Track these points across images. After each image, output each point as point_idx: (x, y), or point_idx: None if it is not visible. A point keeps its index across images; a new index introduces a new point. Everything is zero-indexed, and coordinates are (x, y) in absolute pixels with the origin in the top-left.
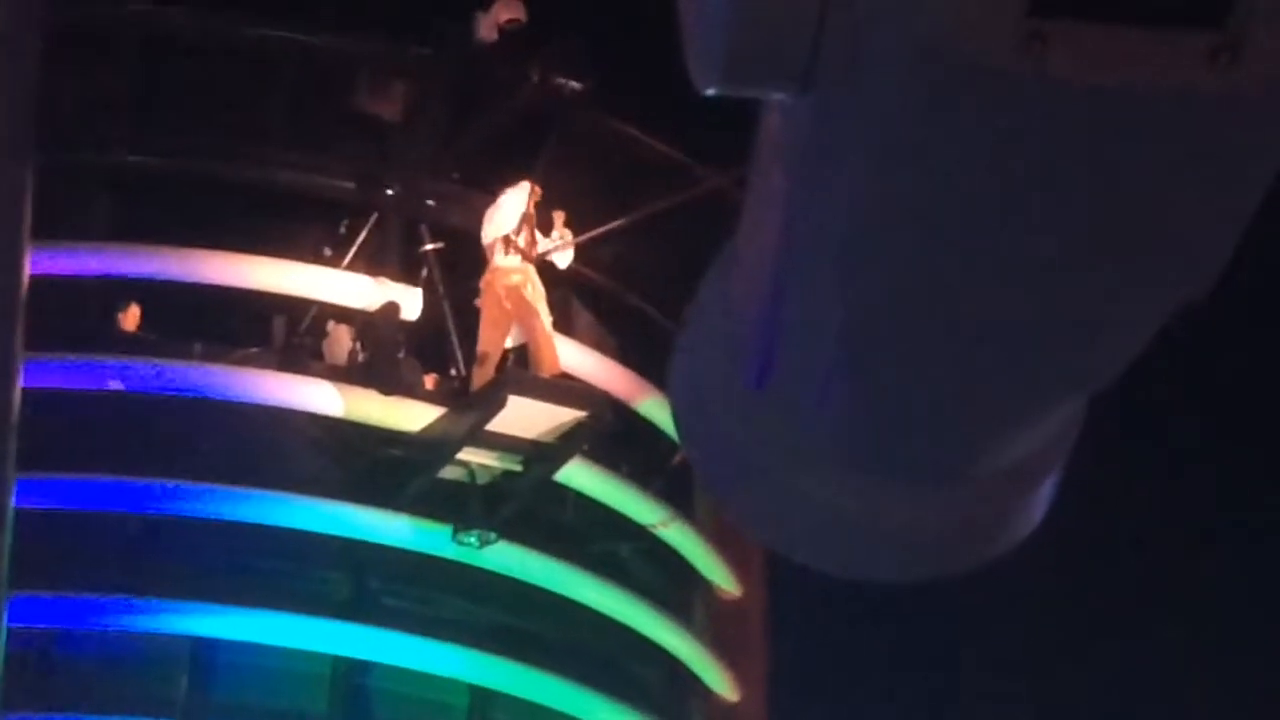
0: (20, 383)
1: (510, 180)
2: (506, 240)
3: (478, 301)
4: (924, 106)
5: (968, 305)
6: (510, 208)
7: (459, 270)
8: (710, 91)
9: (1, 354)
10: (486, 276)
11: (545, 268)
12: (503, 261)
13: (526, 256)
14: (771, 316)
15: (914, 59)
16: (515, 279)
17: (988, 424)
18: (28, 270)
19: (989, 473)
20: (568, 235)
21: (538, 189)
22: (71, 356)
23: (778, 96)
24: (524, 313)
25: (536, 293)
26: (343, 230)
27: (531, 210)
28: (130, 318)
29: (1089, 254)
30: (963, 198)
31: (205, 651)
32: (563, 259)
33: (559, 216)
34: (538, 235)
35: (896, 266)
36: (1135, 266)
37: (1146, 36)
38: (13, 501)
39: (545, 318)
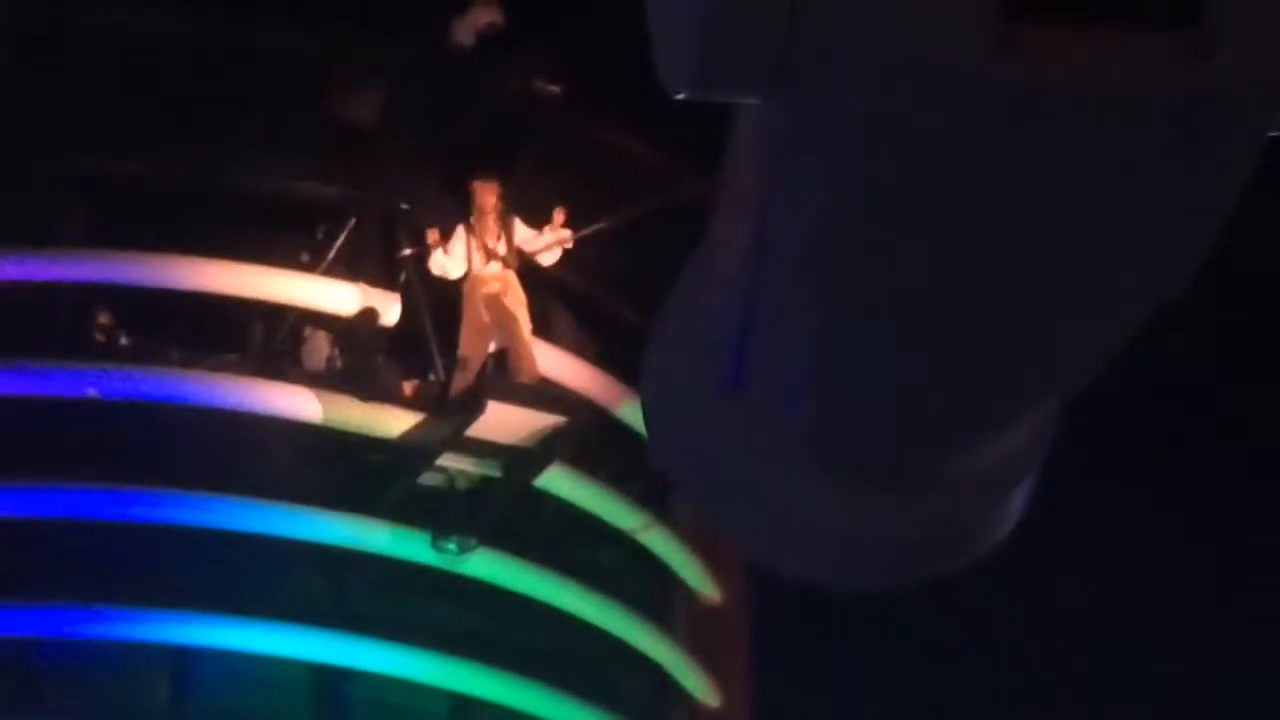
0: None
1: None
2: (485, 248)
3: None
4: (896, 110)
5: (939, 307)
6: (454, 254)
7: (437, 275)
8: (680, 95)
9: None
10: (468, 284)
11: (526, 271)
12: (481, 270)
13: (506, 263)
14: (744, 320)
15: (886, 63)
16: (494, 287)
17: (961, 427)
18: None
19: (963, 478)
20: (553, 230)
21: (498, 188)
22: (47, 364)
23: (749, 100)
24: (504, 319)
25: (516, 299)
26: (320, 236)
27: (496, 211)
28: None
29: (1062, 254)
30: (935, 201)
31: (185, 660)
32: (548, 256)
33: (559, 215)
34: (520, 230)
35: (869, 269)
36: (1109, 266)
37: (1118, 37)
38: None
39: (525, 324)
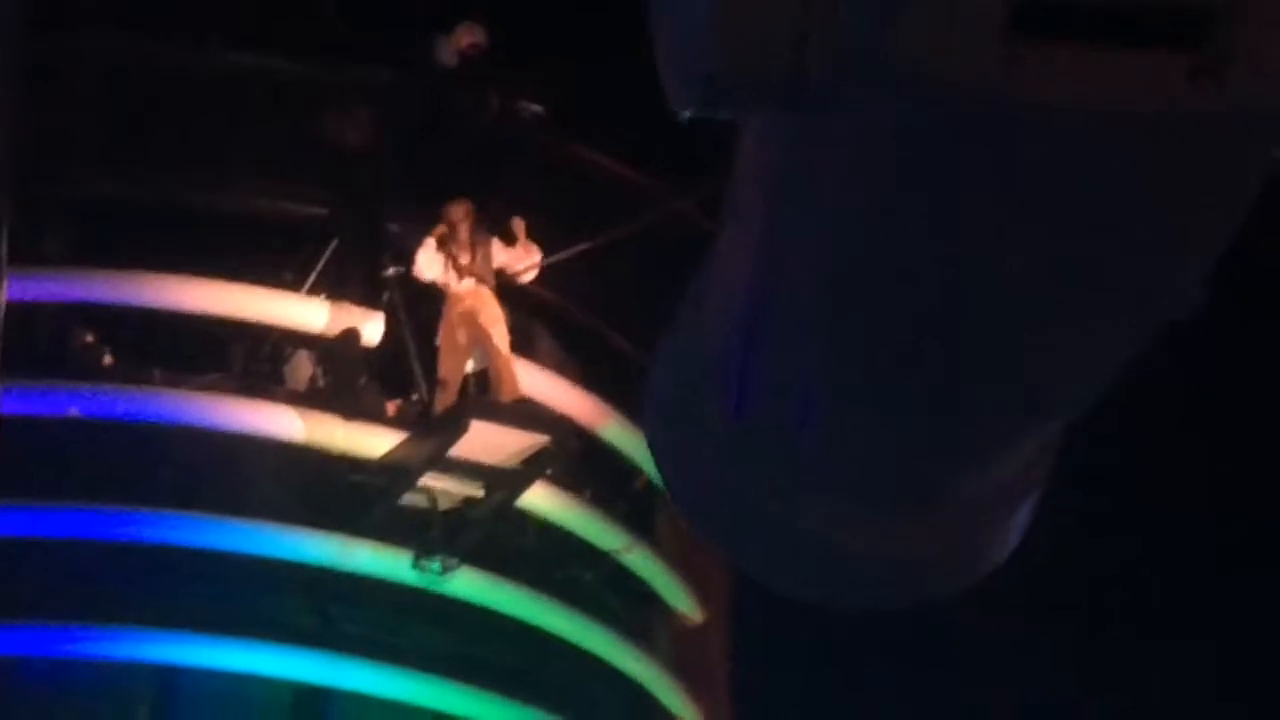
0: None
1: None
2: (458, 266)
3: (437, 340)
4: (904, 128)
5: (944, 327)
6: (426, 258)
7: (420, 295)
8: (687, 113)
9: None
10: (445, 304)
11: (507, 290)
12: (456, 288)
13: (481, 279)
14: (749, 345)
15: (894, 80)
16: (469, 304)
17: (963, 450)
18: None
19: (964, 501)
20: (533, 248)
21: (469, 210)
22: (29, 383)
23: (755, 118)
24: (481, 337)
25: (491, 316)
26: (303, 255)
27: (468, 229)
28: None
29: (1067, 272)
30: (942, 219)
31: (167, 679)
32: (528, 275)
33: (519, 225)
34: (499, 249)
35: (875, 287)
36: (1113, 284)
37: (1127, 56)
38: None
39: (503, 341)
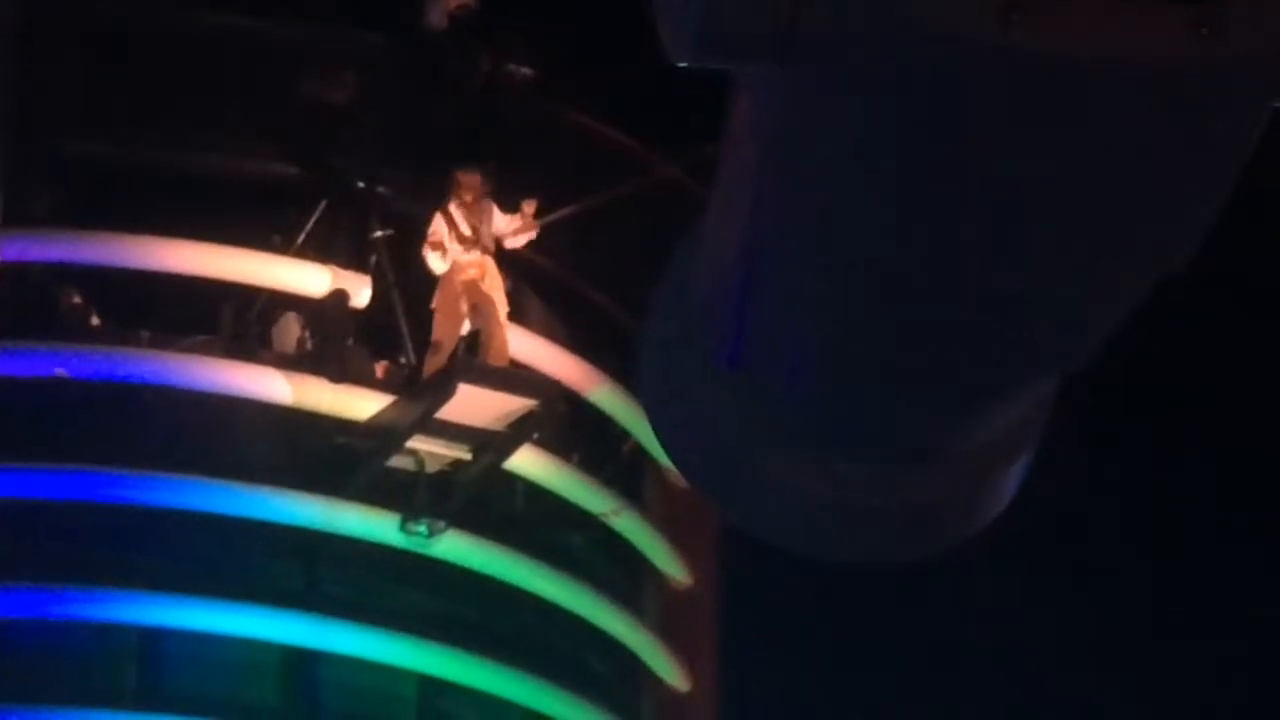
0: None
1: (459, 167)
2: (461, 237)
3: (433, 305)
4: (902, 79)
5: (943, 278)
6: (440, 245)
7: (408, 257)
8: (684, 64)
9: None
10: (446, 271)
11: (497, 255)
12: (460, 257)
13: (485, 249)
14: (743, 296)
15: (892, 31)
16: (472, 273)
17: (960, 400)
18: None
19: (960, 453)
20: (530, 216)
21: (479, 180)
22: (16, 344)
23: (751, 70)
24: (481, 303)
25: (493, 283)
26: (292, 217)
27: (475, 200)
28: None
29: (1066, 224)
30: (941, 171)
31: (154, 641)
32: (518, 240)
33: (529, 206)
34: (498, 217)
35: (873, 241)
36: (1112, 237)
37: (1127, 9)
38: None
39: (502, 308)
